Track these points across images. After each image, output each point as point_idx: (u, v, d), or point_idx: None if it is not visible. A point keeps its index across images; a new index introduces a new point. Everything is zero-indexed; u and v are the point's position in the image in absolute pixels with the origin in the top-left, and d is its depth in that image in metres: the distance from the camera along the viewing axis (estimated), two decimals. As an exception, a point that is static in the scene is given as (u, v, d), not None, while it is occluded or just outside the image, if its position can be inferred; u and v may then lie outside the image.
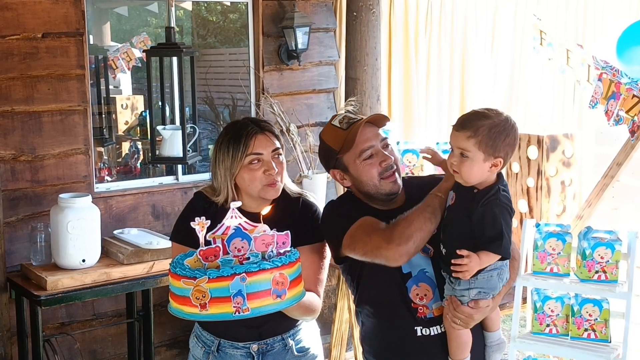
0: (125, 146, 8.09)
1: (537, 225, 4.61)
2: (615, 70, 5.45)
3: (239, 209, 2.87)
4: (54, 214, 5.17)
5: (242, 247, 2.75)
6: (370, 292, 3.23)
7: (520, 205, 5.48)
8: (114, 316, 5.95)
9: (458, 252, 2.88)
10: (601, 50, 7.07)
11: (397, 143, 5.91)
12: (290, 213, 3.36)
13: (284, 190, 3.41)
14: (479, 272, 2.93)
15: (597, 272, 4.39)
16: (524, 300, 4.71)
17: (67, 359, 5.63)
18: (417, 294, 3.11)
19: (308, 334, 3.56)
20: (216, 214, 3.17)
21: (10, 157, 5.48)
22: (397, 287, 3.12)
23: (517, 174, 5.46)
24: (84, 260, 5.16)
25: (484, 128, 2.87)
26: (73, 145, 5.73)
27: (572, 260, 4.55)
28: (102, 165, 7.24)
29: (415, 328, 3.13)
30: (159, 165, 6.80)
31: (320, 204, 5.81)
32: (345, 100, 6.73)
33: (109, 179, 6.85)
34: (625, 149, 5.39)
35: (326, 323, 6.01)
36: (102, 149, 7.57)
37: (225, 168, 3.30)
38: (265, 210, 2.95)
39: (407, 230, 2.94)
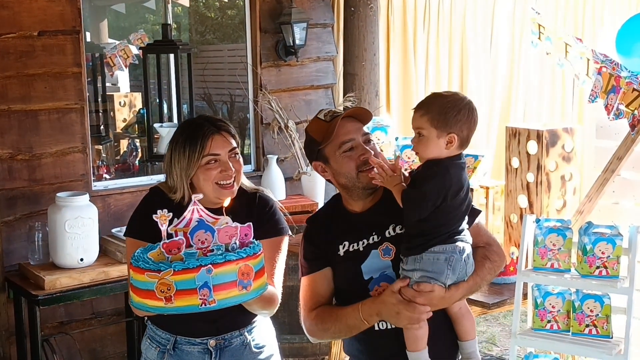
0: (124, 144, 8.07)
1: (538, 220, 4.58)
2: (615, 64, 5.42)
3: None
4: (51, 212, 5.15)
5: (206, 239, 2.71)
6: (338, 294, 3.26)
7: (520, 200, 5.45)
8: (113, 315, 5.94)
9: (370, 159, 3.03)
10: (600, 43, 7.06)
11: (396, 139, 5.89)
12: (248, 207, 3.36)
13: (241, 185, 3.39)
14: (424, 249, 2.95)
15: (598, 267, 4.35)
16: (525, 296, 4.67)
17: (67, 358, 5.61)
18: (377, 291, 3.10)
19: (264, 330, 3.54)
20: (174, 208, 3.12)
21: (7, 156, 5.47)
22: (360, 289, 3.13)
23: (516, 169, 5.43)
24: (82, 259, 5.15)
25: (436, 105, 2.94)
26: (70, 144, 5.72)
27: (572, 256, 4.51)
28: (100, 163, 7.22)
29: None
30: (156, 163, 6.78)
31: (319, 200, 5.81)
32: (344, 96, 6.70)
33: (107, 177, 6.83)
34: (626, 143, 5.36)
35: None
36: (100, 147, 7.55)
37: (181, 168, 3.26)
38: (227, 202, 2.97)
39: (320, 332, 3.21)
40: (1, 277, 5.21)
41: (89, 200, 5.27)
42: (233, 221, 2.79)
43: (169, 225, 2.75)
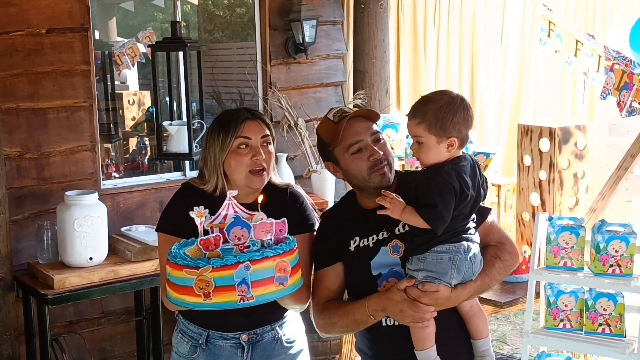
0: (133, 142, 8.07)
1: (550, 218, 4.55)
2: (628, 61, 5.38)
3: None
4: (60, 211, 5.14)
5: (242, 235, 2.75)
6: (349, 289, 3.28)
7: (532, 198, 5.41)
8: (123, 314, 5.92)
9: (383, 191, 3.00)
10: (611, 40, 7.01)
11: (407, 136, 5.85)
12: (279, 203, 3.36)
13: (270, 181, 3.42)
14: (426, 249, 2.95)
15: (611, 265, 4.32)
16: (537, 295, 4.64)
17: (76, 357, 5.60)
18: (385, 287, 3.11)
19: (295, 325, 3.57)
20: (206, 204, 3.18)
21: (16, 155, 5.45)
22: (369, 284, 3.14)
23: (528, 166, 5.39)
24: (91, 258, 5.13)
25: (431, 112, 2.93)
26: (79, 142, 5.70)
27: (585, 254, 4.49)
28: (109, 161, 7.22)
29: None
30: (166, 161, 6.77)
31: (329, 198, 5.80)
32: (354, 94, 6.68)
33: (116, 175, 6.82)
34: (639, 140, 5.32)
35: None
36: (109, 146, 7.56)
37: (214, 153, 3.31)
38: (261, 197, 3.00)
39: (328, 326, 3.22)
40: (10, 276, 5.18)
41: (98, 199, 5.26)
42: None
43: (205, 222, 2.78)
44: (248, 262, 2.63)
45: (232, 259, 2.63)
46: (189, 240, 2.90)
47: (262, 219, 2.79)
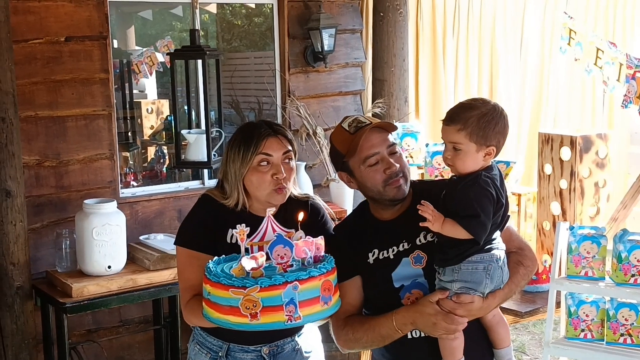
0: (151, 151, 8.08)
1: (571, 228, 4.52)
2: (650, 69, 5.35)
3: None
4: (79, 219, 5.14)
5: (285, 254, 2.71)
6: (367, 302, 3.22)
7: (553, 207, 5.37)
8: (141, 323, 5.92)
9: (422, 202, 2.92)
10: (631, 47, 6.96)
11: (427, 145, 5.83)
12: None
13: (291, 193, 3.39)
14: (461, 260, 2.91)
15: (633, 275, 4.28)
16: (558, 304, 4.60)
17: (94, 366, 5.59)
18: (409, 299, 3.08)
19: (312, 335, 3.56)
20: (227, 218, 3.21)
21: (35, 163, 5.46)
22: (391, 297, 3.10)
23: (549, 175, 5.36)
24: (109, 267, 5.13)
25: (473, 119, 2.88)
26: (98, 150, 5.71)
27: (607, 264, 4.45)
28: (127, 170, 7.22)
29: None
30: (184, 170, 6.76)
31: (348, 207, 5.77)
32: (373, 103, 6.65)
33: (135, 184, 6.82)
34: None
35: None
36: (127, 154, 7.56)
37: (235, 168, 3.26)
38: (301, 215, 2.95)
39: (352, 342, 3.16)
40: (28, 284, 5.18)
41: (117, 207, 5.25)
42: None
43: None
44: (296, 281, 2.61)
45: (279, 279, 2.60)
46: (224, 257, 2.90)
47: (301, 237, 2.77)
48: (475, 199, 2.85)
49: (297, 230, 2.86)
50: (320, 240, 2.79)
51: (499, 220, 2.95)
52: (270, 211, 2.85)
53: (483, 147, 2.89)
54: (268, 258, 2.72)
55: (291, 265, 2.70)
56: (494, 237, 2.98)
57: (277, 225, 2.82)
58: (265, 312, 2.61)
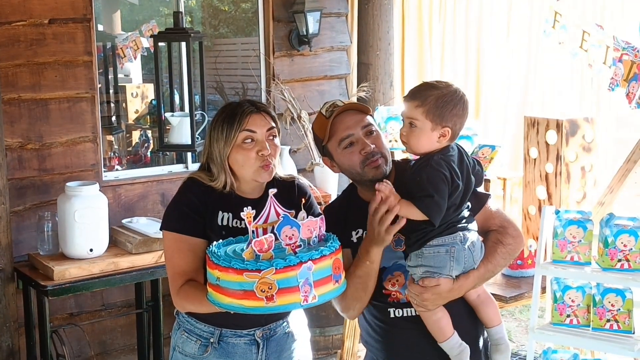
0: (136, 135, 8.05)
1: (557, 212, 4.49)
2: (638, 51, 5.32)
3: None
4: (61, 202, 5.10)
5: (293, 234, 2.69)
6: None
7: (538, 191, 5.35)
8: (123, 306, 5.90)
9: (384, 180, 2.93)
10: (620, 30, 6.93)
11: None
12: (288, 196, 3.33)
13: (276, 174, 3.37)
14: (422, 245, 2.93)
15: (619, 260, 4.25)
16: (543, 289, 4.58)
17: (76, 350, 5.57)
18: (390, 281, 3.11)
19: (299, 318, 3.56)
20: (215, 200, 3.19)
21: (17, 145, 5.42)
22: None
23: (535, 159, 5.33)
24: (91, 250, 5.10)
25: (432, 97, 2.92)
26: (81, 133, 5.67)
27: (593, 249, 4.42)
28: (112, 154, 7.19)
29: (389, 310, 3.13)
30: (168, 153, 6.73)
31: (332, 192, 5.74)
32: (358, 86, 6.63)
33: (119, 167, 6.78)
34: (648, 133, 5.27)
35: (339, 314, 5.91)
36: (111, 138, 7.53)
37: (219, 148, 3.23)
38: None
39: (344, 302, 3.14)
40: (10, 267, 5.14)
41: (99, 190, 5.22)
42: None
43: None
44: (310, 261, 2.60)
45: (293, 259, 2.59)
46: (228, 240, 2.90)
47: (304, 217, 2.76)
48: (428, 180, 2.86)
49: (298, 211, 2.86)
50: (321, 220, 2.79)
51: (458, 201, 2.94)
52: (273, 191, 2.82)
53: (438, 127, 2.92)
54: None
55: (299, 246, 2.69)
56: (461, 217, 2.98)
57: (280, 207, 2.79)
58: (281, 293, 2.58)
